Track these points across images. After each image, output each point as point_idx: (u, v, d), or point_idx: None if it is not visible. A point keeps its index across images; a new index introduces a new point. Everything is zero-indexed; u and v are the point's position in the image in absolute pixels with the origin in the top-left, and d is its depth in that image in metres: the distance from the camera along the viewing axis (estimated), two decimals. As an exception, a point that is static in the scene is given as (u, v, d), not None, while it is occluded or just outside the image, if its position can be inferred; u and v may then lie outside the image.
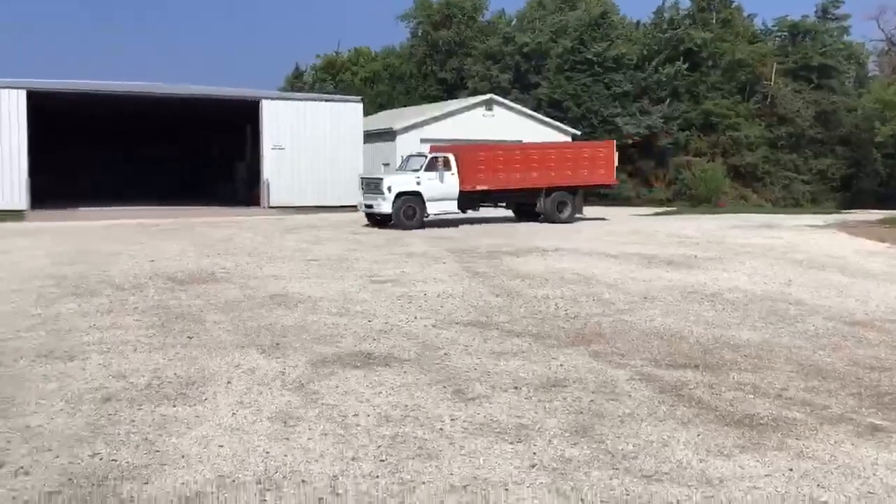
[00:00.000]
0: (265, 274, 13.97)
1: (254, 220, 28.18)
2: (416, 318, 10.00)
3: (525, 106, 43.53)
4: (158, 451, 5.31)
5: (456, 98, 48.20)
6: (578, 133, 42.47)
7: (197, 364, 7.64)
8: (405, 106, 49.67)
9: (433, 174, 24.36)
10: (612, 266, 15.05)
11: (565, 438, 5.61)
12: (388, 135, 39.49)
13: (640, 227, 24.86)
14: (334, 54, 64.06)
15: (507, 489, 4.71)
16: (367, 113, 38.22)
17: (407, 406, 6.34)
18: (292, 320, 9.80)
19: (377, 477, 4.88)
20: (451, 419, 6.02)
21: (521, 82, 48.92)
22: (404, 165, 25.91)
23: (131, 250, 17.60)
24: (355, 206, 34.17)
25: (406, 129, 39.42)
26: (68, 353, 8.05)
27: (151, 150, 46.23)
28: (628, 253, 17.21)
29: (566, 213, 26.19)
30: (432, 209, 24.41)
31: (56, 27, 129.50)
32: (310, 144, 34.77)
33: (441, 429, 5.81)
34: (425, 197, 24.17)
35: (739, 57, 47.70)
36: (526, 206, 26.48)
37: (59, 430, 5.69)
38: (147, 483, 4.77)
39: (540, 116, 42.38)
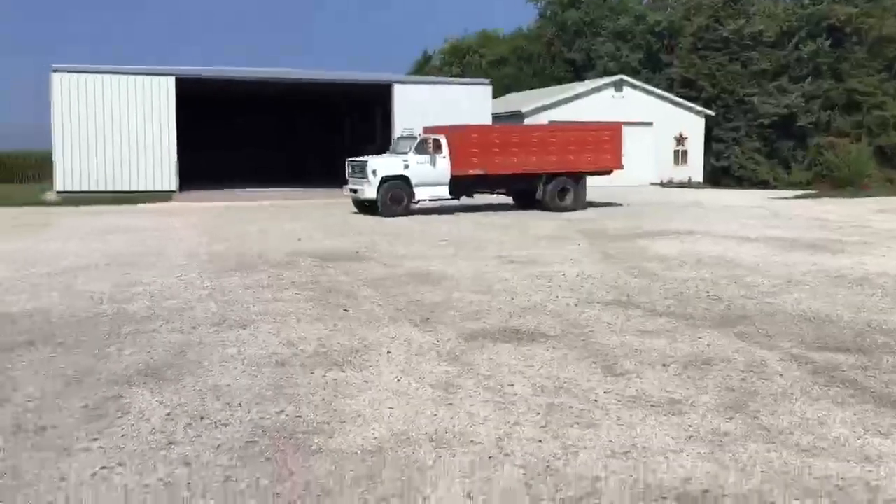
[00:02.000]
0: (403, 253, 14.51)
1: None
2: (557, 296, 10.25)
3: (656, 86, 42.70)
4: (336, 410, 5.80)
5: (584, 79, 47.74)
6: (712, 113, 41.36)
7: (356, 335, 8.15)
8: (533, 88, 49.57)
9: (423, 157, 22.64)
10: (752, 249, 14.82)
11: (719, 413, 5.75)
12: (516, 117, 39.57)
13: (779, 210, 24.17)
14: (462, 38, 64.47)
15: (666, 457, 4.92)
16: (494, 95, 38.41)
17: (559, 378, 6.62)
18: (438, 297, 10.22)
19: (540, 441, 5.19)
20: (604, 392, 6.26)
21: (652, 62, 47.94)
22: (394, 147, 24.33)
23: (276, 229, 18.56)
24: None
25: (534, 112, 39.40)
26: (239, 322, 8.73)
27: (287, 133, 48.01)
28: (768, 236, 16.87)
29: (568, 200, 24.30)
30: (421, 195, 22.79)
31: (199, 19, 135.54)
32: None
33: (595, 400, 6.06)
34: (413, 182, 22.57)
35: (887, 32, 45.13)
36: (526, 192, 24.62)
37: (245, 390, 6.27)
38: (332, 437, 5.24)
39: (671, 97, 41.48)
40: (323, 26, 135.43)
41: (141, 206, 26.30)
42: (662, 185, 39.28)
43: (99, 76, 31.74)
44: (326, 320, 8.84)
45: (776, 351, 7.50)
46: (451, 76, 53.70)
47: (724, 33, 42.16)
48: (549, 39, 55.98)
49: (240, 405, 5.87)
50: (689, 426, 5.48)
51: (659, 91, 41.63)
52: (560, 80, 50.54)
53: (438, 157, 22.74)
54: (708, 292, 10.55)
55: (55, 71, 31.20)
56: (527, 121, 39.14)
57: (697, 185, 39.17)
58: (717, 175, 41.05)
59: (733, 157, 41.01)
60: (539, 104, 39.93)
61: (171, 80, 32.28)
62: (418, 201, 22.89)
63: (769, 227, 19.07)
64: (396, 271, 12.33)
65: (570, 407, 5.89)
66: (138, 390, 6.21)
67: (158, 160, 31.95)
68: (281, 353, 7.37)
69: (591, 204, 25.19)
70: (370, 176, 22.18)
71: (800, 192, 33.04)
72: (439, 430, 5.37)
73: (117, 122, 31.27)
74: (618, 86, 40.85)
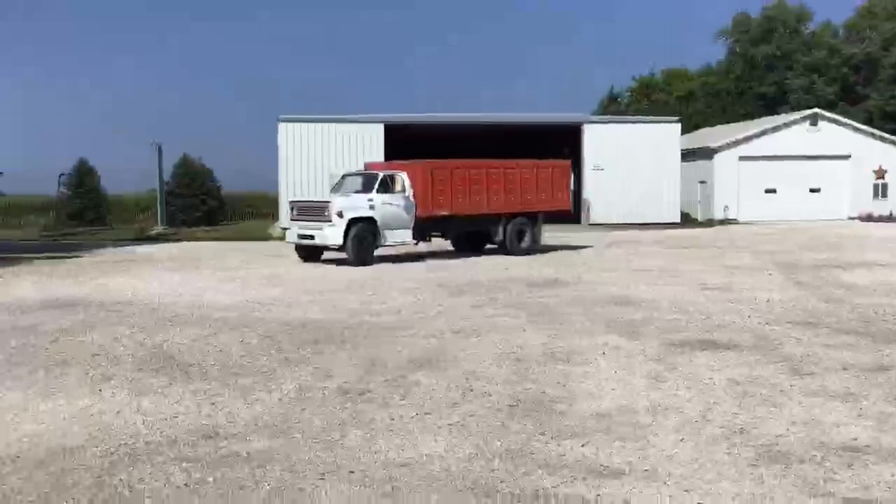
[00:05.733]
0: (602, 280, 16.08)
1: (578, 235, 30.57)
2: (748, 317, 11.49)
3: (853, 119, 41.87)
4: (570, 390, 7.51)
5: (776, 114, 47.40)
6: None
7: (572, 342, 9.84)
8: (721, 124, 49.71)
9: (388, 196, 20.19)
10: (947, 280, 15.24)
11: (888, 402, 6.97)
12: (704, 153, 40.15)
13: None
14: (649, 76, 65.33)
15: (837, 426, 6.27)
16: (682, 132, 39.24)
17: (750, 376, 8.00)
18: (639, 315, 11.74)
19: (735, 413, 6.67)
20: (790, 386, 7.60)
21: (849, 95, 46.95)
22: (339, 186, 21.48)
23: (484, 261, 20.64)
24: (675, 224, 35.58)
25: (724, 148, 39.81)
26: (474, 331, 10.64)
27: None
28: (966, 268, 17.06)
29: (526, 242, 22.50)
30: (389, 239, 20.31)
31: (389, 69, 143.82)
32: (627, 164, 36.61)
33: (781, 391, 7.42)
34: (380, 224, 19.96)
35: None
36: (474, 235, 22.63)
37: (495, 376, 8.10)
38: (570, 405, 6.96)
39: (870, 129, 40.59)
40: (510, 66, 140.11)
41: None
42: (861, 219, 38.45)
43: (317, 125, 35.64)
44: (543, 331, 10.57)
45: (951, 361, 8.49)
46: (639, 114, 54.69)
47: (927, 63, 40.85)
48: (740, 74, 55.81)
49: (496, 384, 7.71)
50: (860, 409, 6.76)
51: (856, 124, 40.86)
52: (750, 115, 50.34)
53: (402, 197, 20.48)
54: (895, 315, 11.42)
55: (281, 121, 35.36)
56: (717, 157, 39.64)
57: (899, 220, 38.04)
58: (922, 209, 39.62)
59: (939, 191, 39.49)
60: (729, 139, 40.30)
61: (381, 127, 35.75)
62: (377, 246, 20.20)
63: (971, 259, 19.06)
64: (598, 296, 13.91)
65: (760, 394, 7.29)
66: (416, 373, 8.19)
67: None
68: (515, 353, 9.18)
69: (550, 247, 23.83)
70: (335, 218, 19.28)
71: None
72: (653, 405, 6.96)
73: (334, 165, 34.82)
74: (813, 119, 40.48)
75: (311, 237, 19.81)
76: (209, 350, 9.31)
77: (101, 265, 19.98)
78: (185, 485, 5.07)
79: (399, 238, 20.58)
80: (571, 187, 24.02)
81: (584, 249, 23.96)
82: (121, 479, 5.17)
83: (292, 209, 21.09)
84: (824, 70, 48.14)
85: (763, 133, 40.36)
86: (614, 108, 64.36)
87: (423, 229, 21.23)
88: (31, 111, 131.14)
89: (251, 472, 5.27)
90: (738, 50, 57.27)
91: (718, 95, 56.84)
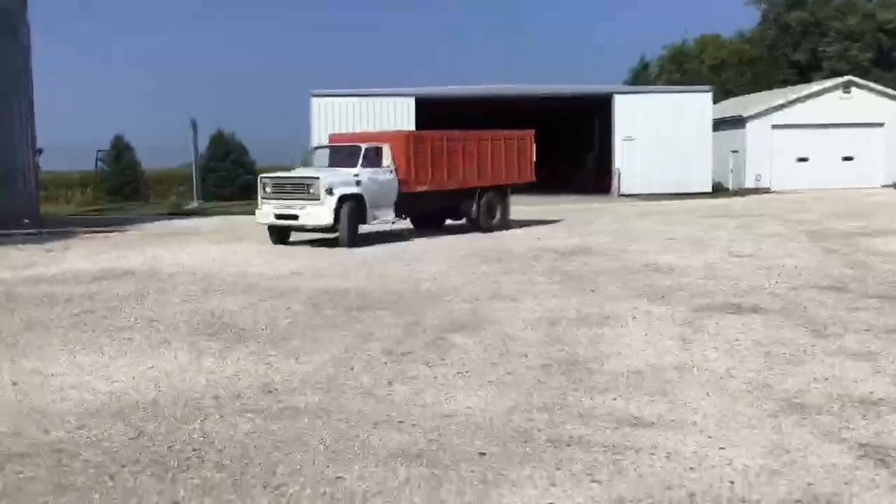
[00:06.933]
0: (633, 249, 16.41)
1: (608, 206, 30.85)
2: (776, 282, 11.81)
3: (888, 86, 41.39)
4: (601, 350, 7.93)
5: (810, 81, 46.95)
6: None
7: (604, 307, 10.24)
8: (754, 92, 49.33)
9: (374, 171, 18.47)
10: (976, 246, 15.38)
11: (907, 361, 7.32)
12: (736, 122, 39.99)
13: None
14: (681, 44, 64.76)
15: (856, 382, 6.64)
16: (714, 101, 39.08)
17: (774, 337, 8.37)
18: (668, 282, 12.10)
19: (759, 371, 7.06)
20: (811, 346, 7.96)
21: (884, 62, 46.35)
22: (310, 160, 20.14)
23: (509, 231, 21.03)
24: (706, 193, 35.62)
25: (756, 116, 39.61)
26: (507, 296, 11.09)
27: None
28: None
29: (497, 217, 21.50)
30: (377, 217, 18.65)
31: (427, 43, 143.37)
32: (659, 134, 36.65)
33: (804, 351, 7.78)
34: (367, 201, 18.22)
35: None
36: (438, 211, 21.33)
37: (529, 338, 8.53)
38: (602, 364, 7.39)
39: (907, 97, 40.14)
40: (537, 37, 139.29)
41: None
42: (895, 187, 38.21)
43: (349, 99, 36.03)
44: (576, 297, 10.99)
45: (971, 323, 8.78)
46: (670, 83, 54.44)
47: (964, 27, 40.20)
48: (772, 42, 55.23)
49: (530, 346, 8.15)
50: (879, 366, 7.12)
51: (891, 91, 40.39)
52: (784, 83, 49.91)
53: (385, 172, 18.76)
54: (921, 281, 11.68)
55: (314, 95, 35.83)
56: (749, 125, 39.48)
57: (934, 187, 37.73)
58: (957, 176, 39.24)
59: (975, 157, 39.05)
60: (761, 108, 40.08)
61: (412, 101, 36.09)
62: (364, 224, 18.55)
63: None
64: (629, 264, 14.27)
65: (784, 353, 7.66)
66: (454, 335, 8.65)
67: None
68: (549, 317, 9.60)
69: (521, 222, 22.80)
70: (323, 195, 17.36)
71: None
72: (680, 363, 7.37)
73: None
74: (846, 86, 40.10)
75: (295, 217, 17.75)
76: (258, 316, 9.85)
77: (145, 238, 20.66)
78: (252, 432, 5.60)
79: (384, 217, 18.93)
80: (534, 158, 22.76)
81: (595, 221, 24.20)
82: (194, 427, 5.70)
83: (264, 186, 18.43)
84: (859, 36, 47.51)
85: (796, 101, 40.05)
86: (644, 77, 63.97)
87: (404, 206, 19.54)
88: (68, 89, 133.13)
89: (310, 422, 5.77)
90: (770, 16, 56.59)
91: (751, 63, 56.32)
